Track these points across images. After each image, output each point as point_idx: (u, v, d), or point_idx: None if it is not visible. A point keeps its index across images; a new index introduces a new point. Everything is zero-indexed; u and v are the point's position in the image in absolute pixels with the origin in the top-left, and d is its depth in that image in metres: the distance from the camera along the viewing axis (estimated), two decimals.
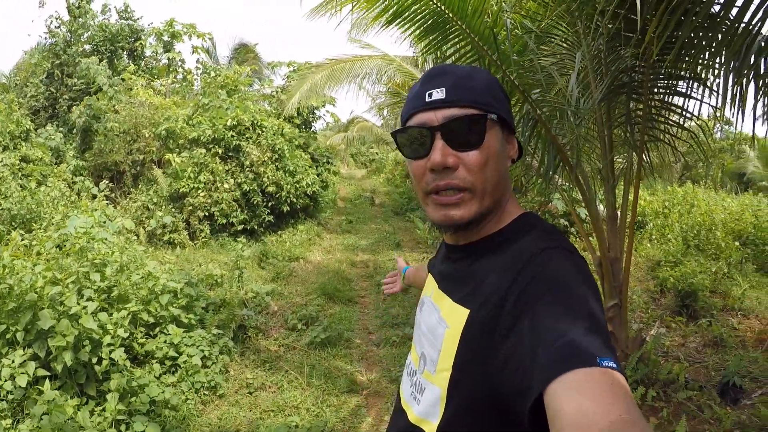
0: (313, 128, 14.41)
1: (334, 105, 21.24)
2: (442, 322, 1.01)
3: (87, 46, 13.93)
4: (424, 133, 0.96)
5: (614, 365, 0.72)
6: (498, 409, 0.86)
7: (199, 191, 10.51)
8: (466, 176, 0.96)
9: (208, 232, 10.65)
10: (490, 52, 3.98)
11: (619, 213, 4.55)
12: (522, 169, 5.41)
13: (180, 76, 14.64)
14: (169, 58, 14.55)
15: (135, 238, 9.63)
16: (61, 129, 12.75)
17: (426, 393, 1.01)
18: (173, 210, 10.68)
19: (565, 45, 4.56)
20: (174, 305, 5.31)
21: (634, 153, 4.39)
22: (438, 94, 0.96)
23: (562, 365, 0.71)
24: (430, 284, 1.17)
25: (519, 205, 1.07)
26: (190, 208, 10.56)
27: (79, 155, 12.19)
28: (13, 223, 8.87)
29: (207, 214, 10.62)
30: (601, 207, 5.96)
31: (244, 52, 17.48)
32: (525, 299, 0.85)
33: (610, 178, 4.53)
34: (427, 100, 0.97)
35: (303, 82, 10.71)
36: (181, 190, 10.57)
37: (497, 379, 0.85)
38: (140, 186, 11.34)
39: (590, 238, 4.81)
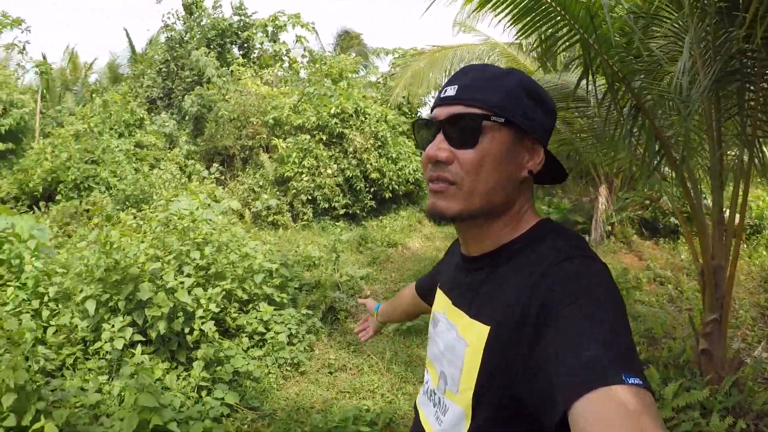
0: (419, 115, 14.45)
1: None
2: (460, 340, 0.99)
3: (199, 40, 14.79)
4: (430, 126, 1.00)
5: (640, 382, 0.70)
6: (522, 424, 0.86)
7: (303, 176, 10.90)
8: (458, 172, 0.95)
9: (311, 215, 11.03)
10: (587, 35, 3.77)
11: (727, 215, 4.16)
12: (631, 159, 5.08)
13: (286, 65, 15.20)
14: (275, 49, 15.13)
15: (240, 218, 10.25)
16: (175, 117, 13.72)
17: (449, 413, 1.00)
18: (278, 193, 11.17)
19: (672, 28, 4.22)
20: (268, 284, 5.56)
21: (745, 148, 4.00)
22: (450, 91, 0.98)
23: (587, 383, 0.70)
24: (442, 300, 1.15)
25: (536, 212, 1.04)
26: (294, 191, 10.98)
27: (192, 141, 13.06)
28: (127, 203, 9.69)
29: (310, 197, 11.01)
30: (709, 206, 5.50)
31: (347, 39, 17.79)
32: (546, 311, 0.82)
33: (718, 176, 4.15)
34: (441, 95, 1.00)
35: (406, 69, 10.74)
36: (285, 174, 11.03)
37: (521, 394, 0.85)
38: (248, 170, 11.97)
39: (693, 242, 4.43)
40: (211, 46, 14.57)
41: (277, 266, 5.88)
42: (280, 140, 11.33)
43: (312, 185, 10.90)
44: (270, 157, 11.63)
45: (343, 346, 5.33)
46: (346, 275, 7.12)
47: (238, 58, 14.67)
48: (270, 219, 10.74)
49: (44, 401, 3.12)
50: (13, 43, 14.46)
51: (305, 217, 10.97)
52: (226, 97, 12.42)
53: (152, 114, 13.97)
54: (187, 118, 13.32)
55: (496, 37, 10.46)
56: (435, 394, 1.07)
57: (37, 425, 2.93)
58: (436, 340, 1.12)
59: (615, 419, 0.66)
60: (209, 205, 7.86)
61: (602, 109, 4.53)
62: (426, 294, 1.49)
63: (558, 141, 5.57)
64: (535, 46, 4.71)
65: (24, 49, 14.51)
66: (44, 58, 16.72)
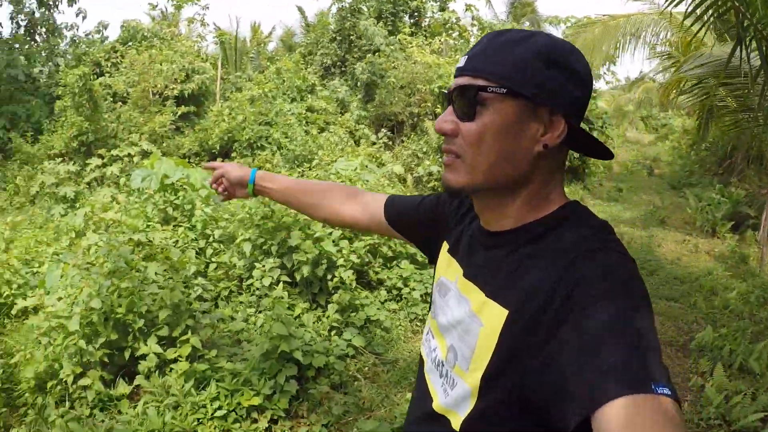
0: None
1: (615, 64, 19.79)
2: (474, 318, 0.95)
3: (372, 11, 15.20)
4: (446, 98, 0.97)
5: (669, 392, 0.68)
6: (529, 415, 0.84)
7: None
8: (462, 145, 0.92)
9: None
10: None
11: None
12: None
13: (456, 34, 15.18)
14: (444, 17, 15.14)
15: (402, 182, 10.68)
16: (349, 83, 14.42)
17: (457, 388, 0.97)
18: (439, 160, 11.41)
19: None
20: None
21: None
22: (462, 61, 0.94)
23: (615, 389, 0.67)
24: (453, 267, 1.09)
25: (564, 194, 0.97)
26: None
27: (362, 107, 13.68)
28: (295, 162, 10.51)
29: None
30: None
31: (520, 7, 17.27)
32: (572, 304, 0.78)
33: None
34: (457, 65, 0.96)
35: (576, 38, 10.27)
36: None
37: (531, 384, 0.82)
38: (413, 136, 12.33)
39: None
40: (383, 16, 15.00)
41: None
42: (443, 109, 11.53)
43: None
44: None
45: None
46: None
47: (406, 27, 14.93)
48: (430, 185, 11.03)
49: (194, 320, 3.65)
50: (193, 17, 16.13)
51: None
52: (395, 65, 12.82)
53: (326, 80, 14.84)
54: (358, 84, 13.97)
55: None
56: (443, 365, 1.04)
57: (184, 337, 3.46)
58: (445, 310, 1.07)
59: (647, 428, 0.64)
60: (366, 166, 8.33)
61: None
62: (396, 221, 1.35)
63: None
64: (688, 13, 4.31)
65: (204, 21, 16.18)
66: (218, 29, 18.52)
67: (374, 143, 12.16)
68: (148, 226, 5.18)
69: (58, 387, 3.30)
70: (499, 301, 0.90)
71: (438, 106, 11.92)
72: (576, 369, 0.72)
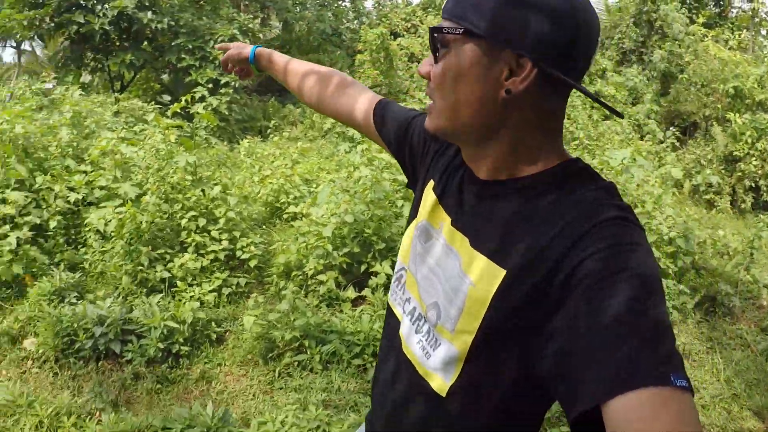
0: None
1: None
2: (465, 277, 0.88)
3: None
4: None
5: (686, 385, 0.65)
6: (525, 386, 0.83)
7: (753, 159, 9.74)
8: (431, 88, 0.90)
9: (749, 204, 9.88)
10: None
11: None
12: None
13: (765, 31, 13.04)
14: (753, 8, 13.06)
15: (680, 188, 9.90)
16: (646, 72, 13.44)
17: (441, 349, 0.91)
18: (723, 171, 10.27)
19: None
20: (659, 249, 5.63)
21: None
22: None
23: (632, 379, 0.64)
24: (438, 213, 1.00)
25: (563, 150, 0.89)
26: (740, 174, 9.94)
27: (657, 99, 12.72)
28: (575, 148, 10.38)
29: (754, 185, 9.82)
30: None
31: None
32: (583, 277, 0.73)
33: None
34: None
35: None
36: (735, 153, 10.03)
37: (535, 356, 0.78)
38: (698, 139, 11.23)
39: None
40: (687, 2, 13.60)
41: (677, 236, 5.82)
42: (737, 114, 10.25)
43: (759, 172, 9.67)
44: (723, 131, 10.67)
45: (699, 336, 5.07)
46: (750, 276, 6.43)
47: (702, 17, 13.25)
48: (707, 197, 10.04)
49: None
50: None
51: (743, 206, 9.88)
52: (690, 58, 11.68)
53: (623, 66, 14.07)
54: (655, 74, 13.04)
55: None
56: (425, 322, 0.96)
57: None
58: (426, 259, 0.99)
59: (660, 424, 0.62)
60: (635, 159, 7.93)
61: None
62: (381, 129, 1.24)
63: None
64: None
65: None
66: None
67: (661, 141, 11.32)
68: None
69: (299, 277, 4.15)
70: (495, 259, 0.84)
71: (730, 110, 10.62)
72: (590, 353, 0.68)
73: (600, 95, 12.81)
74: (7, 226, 4.70)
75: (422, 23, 14.26)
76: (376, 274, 4.05)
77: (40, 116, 6.47)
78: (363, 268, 4.13)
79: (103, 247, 4.76)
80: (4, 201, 4.86)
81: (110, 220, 4.65)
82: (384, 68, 11.71)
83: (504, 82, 0.81)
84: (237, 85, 11.14)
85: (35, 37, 14.38)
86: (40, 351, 3.82)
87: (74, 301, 4.12)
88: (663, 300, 0.71)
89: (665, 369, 0.64)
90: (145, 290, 4.10)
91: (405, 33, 14.43)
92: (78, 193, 5.16)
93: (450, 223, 0.95)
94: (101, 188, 5.17)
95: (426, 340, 0.94)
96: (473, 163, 0.93)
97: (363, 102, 1.28)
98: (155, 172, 4.67)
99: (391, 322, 1.08)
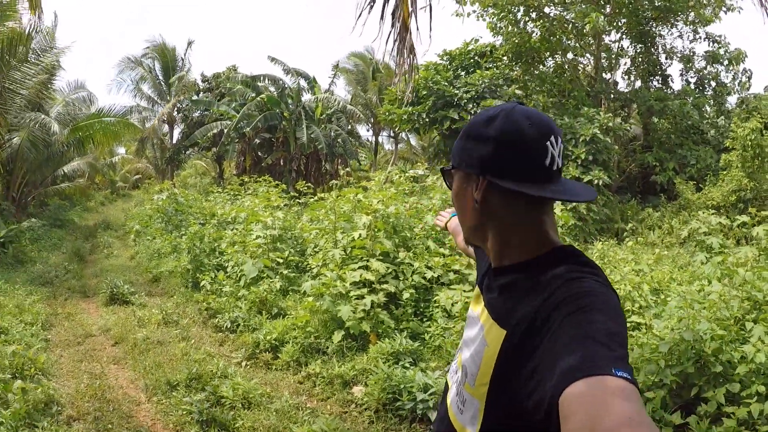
0: None
1: None
2: (483, 340, 1.11)
3: None
4: None
5: (628, 376, 0.76)
6: (525, 423, 0.93)
7: None
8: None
9: None
10: None
11: None
12: None
13: None
14: None
15: None
16: None
17: (467, 404, 1.12)
18: None
19: None
20: None
21: None
22: None
23: (578, 373, 0.77)
24: (478, 299, 1.27)
25: (554, 239, 1.11)
26: None
27: None
28: None
29: None
30: None
31: None
32: (549, 322, 0.92)
33: None
34: None
35: None
36: None
37: (522, 394, 0.92)
38: None
39: None
40: None
41: None
42: None
43: None
44: None
45: None
46: None
47: None
48: None
49: None
50: None
51: None
52: None
53: None
54: None
55: None
56: (459, 383, 1.19)
57: None
58: (468, 343, 1.22)
59: (601, 402, 0.71)
60: None
61: None
62: (474, 251, 1.58)
63: None
64: None
65: None
66: None
67: None
68: None
69: None
70: (500, 323, 1.08)
71: None
72: (549, 372, 0.83)
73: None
74: (366, 290, 5.54)
75: None
76: (707, 401, 3.48)
77: (411, 200, 7.52)
78: (694, 391, 3.59)
79: (446, 324, 5.23)
80: (367, 268, 5.75)
81: (457, 302, 5.12)
82: (751, 170, 10.27)
83: (473, 194, 1.12)
84: (601, 184, 11.17)
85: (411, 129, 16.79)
86: (365, 399, 4.36)
87: (407, 365, 4.58)
88: (613, 322, 0.87)
89: (605, 365, 0.77)
90: None
91: None
92: (434, 272, 5.81)
93: (484, 305, 1.20)
94: (455, 272, 5.74)
95: (459, 399, 1.17)
96: (489, 256, 1.20)
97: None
98: None
99: (444, 394, 1.30)
